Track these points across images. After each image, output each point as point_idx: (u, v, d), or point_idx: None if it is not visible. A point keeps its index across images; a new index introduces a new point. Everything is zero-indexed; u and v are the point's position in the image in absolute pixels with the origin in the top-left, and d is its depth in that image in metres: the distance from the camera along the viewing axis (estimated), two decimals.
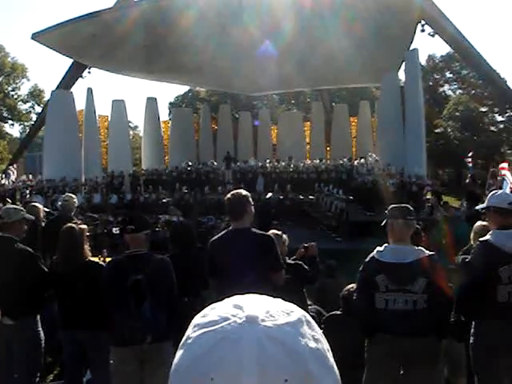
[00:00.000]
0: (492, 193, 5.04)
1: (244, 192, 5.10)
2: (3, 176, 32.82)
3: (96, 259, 5.75)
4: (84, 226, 5.61)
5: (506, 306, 4.50)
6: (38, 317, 5.60)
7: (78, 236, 5.39)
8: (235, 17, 25.98)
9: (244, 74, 32.52)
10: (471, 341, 4.71)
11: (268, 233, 5.32)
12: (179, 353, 0.88)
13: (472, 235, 5.69)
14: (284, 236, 6.26)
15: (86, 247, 5.46)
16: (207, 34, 26.80)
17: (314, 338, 0.87)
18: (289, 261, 6.12)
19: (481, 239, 4.80)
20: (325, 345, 0.89)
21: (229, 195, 5.09)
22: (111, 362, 4.74)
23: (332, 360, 0.89)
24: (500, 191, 5.06)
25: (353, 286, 5.45)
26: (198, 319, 0.91)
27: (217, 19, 26.13)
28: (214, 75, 33.71)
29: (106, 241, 15.47)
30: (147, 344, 4.54)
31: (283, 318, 0.87)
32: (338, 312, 5.79)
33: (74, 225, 5.57)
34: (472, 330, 4.71)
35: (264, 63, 29.47)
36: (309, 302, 7.17)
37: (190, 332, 0.89)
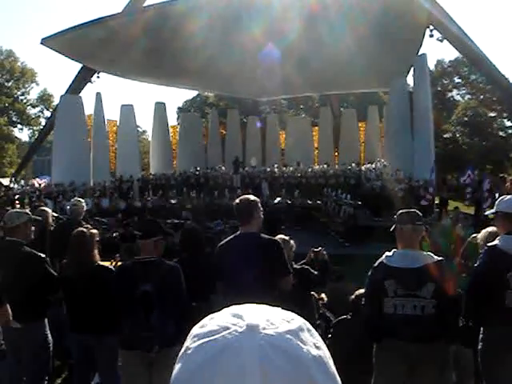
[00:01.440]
0: (501, 198, 5.03)
1: (252, 197, 5.12)
2: (13, 180, 32.97)
3: (107, 264, 5.76)
4: (94, 231, 5.63)
5: None
6: (46, 320, 5.62)
7: (89, 240, 5.41)
8: (240, 21, 26.00)
9: (249, 78, 32.56)
10: (479, 346, 4.70)
11: (275, 238, 5.33)
12: (178, 365, 0.87)
13: (479, 240, 5.68)
14: (291, 241, 6.27)
15: (96, 252, 5.48)
16: (213, 38, 26.82)
17: (316, 345, 0.87)
18: (295, 266, 6.12)
19: (489, 244, 4.78)
20: (326, 352, 0.89)
21: (237, 200, 5.10)
22: (119, 363, 4.77)
23: (333, 367, 0.88)
24: (508, 196, 5.03)
25: (362, 290, 5.45)
26: (196, 330, 0.90)
27: (222, 24, 26.16)
28: (220, 79, 33.73)
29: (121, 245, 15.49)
30: (156, 352, 4.56)
31: (284, 325, 0.86)
32: (348, 316, 5.80)
33: (84, 229, 5.59)
34: (480, 336, 4.69)
35: (270, 67, 29.50)
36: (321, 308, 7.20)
37: (189, 343, 0.88)
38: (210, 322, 0.89)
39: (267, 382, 0.79)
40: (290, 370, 0.80)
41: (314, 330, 0.90)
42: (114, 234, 17.94)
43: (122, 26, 26.63)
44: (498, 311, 4.52)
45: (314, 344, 0.87)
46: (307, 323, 0.90)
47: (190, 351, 0.86)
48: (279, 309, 0.93)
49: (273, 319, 0.87)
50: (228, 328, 0.85)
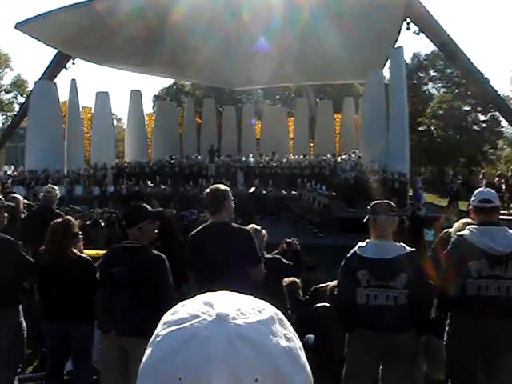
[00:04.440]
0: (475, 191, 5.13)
1: (223, 186, 5.14)
2: None
3: (78, 252, 5.73)
4: (74, 221, 5.62)
5: (475, 299, 4.55)
6: (20, 307, 5.57)
7: (68, 231, 5.39)
8: (230, 12, 25.98)
9: (237, 68, 32.42)
10: (445, 335, 4.77)
11: (247, 227, 5.34)
12: (148, 351, 0.87)
13: (453, 232, 5.76)
14: (263, 231, 6.28)
15: (74, 241, 5.46)
16: (201, 28, 26.76)
17: (286, 336, 0.86)
18: (267, 255, 6.13)
19: (457, 234, 4.89)
20: (297, 343, 0.88)
21: (207, 189, 5.14)
22: (99, 346, 4.83)
23: (304, 359, 0.88)
24: (480, 189, 5.17)
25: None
26: (167, 317, 0.89)
27: (211, 13, 26.07)
28: (207, 69, 33.49)
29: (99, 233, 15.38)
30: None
31: (254, 316, 0.85)
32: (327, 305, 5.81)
33: (64, 219, 5.58)
34: (447, 323, 4.77)
35: (257, 59, 29.40)
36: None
37: (159, 330, 0.88)
38: (181, 310, 0.88)
39: (234, 373, 0.78)
40: (257, 361, 0.80)
41: (285, 321, 0.90)
42: (88, 222, 17.83)
43: (104, 12, 26.30)
44: (460, 299, 4.61)
45: (284, 335, 0.86)
46: (279, 313, 0.90)
47: (159, 338, 0.86)
48: (252, 298, 0.92)
49: (243, 309, 0.86)
50: (198, 316, 0.84)
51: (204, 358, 0.79)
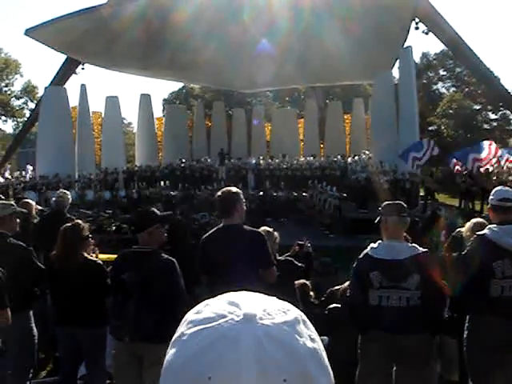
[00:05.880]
0: (494, 189, 5.09)
1: (234, 189, 5.14)
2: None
3: (90, 256, 5.74)
4: (85, 225, 5.62)
5: (499, 300, 4.50)
6: (31, 312, 5.59)
7: (79, 234, 5.40)
8: (232, 13, 25.99)
9: (240, 71, 32.36)
10: (464, 336, 4.72)
11: (259, 229, 5.32)
12: (172, 350, 0.87)
13: (465, 232, 5.72)
14: (275, 233, 6.27)
15: (85, 245, 5.48)
16: (204, 30, 26.76)
17: (311, 337, 0.87)
18: (279, 257, 6.13)
19: (478, 233, 4.82)
20: (320, 345, 0.89)
21: (219, 192, 5.13)
22: (113, 351, 4.85)
23: (327, 360, 0.89)
24: (499, 188, 5.09)
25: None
26: (191, 316, 0.89)
27: (214, 15, 26.10)
28: (210, 72, 33.47)
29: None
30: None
31: (281, 316, 0.86)
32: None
33: (74, 223, 5.58)
34: (465, 325, 4.71)
35: (260, 60, 29.39)
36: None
37: (184, 329, 0.87)
38: (206, 309, 0.89)
39: (263, 372, 0.79)
40: (285, 362, 0.81)
41: (308, 322, 0.90)
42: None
43: (109, 17, 26.38)
44: (483, 300, 4.55)
45: (309, 336, 0.87)
46: (302, 314, 0.90)
47: (185, 337, 0.86)
48: (274, 298, 0.93)
49: (269, 309, 0.87)
50: (225, 316, 0.85)
51: (234, 357, 0.80)
